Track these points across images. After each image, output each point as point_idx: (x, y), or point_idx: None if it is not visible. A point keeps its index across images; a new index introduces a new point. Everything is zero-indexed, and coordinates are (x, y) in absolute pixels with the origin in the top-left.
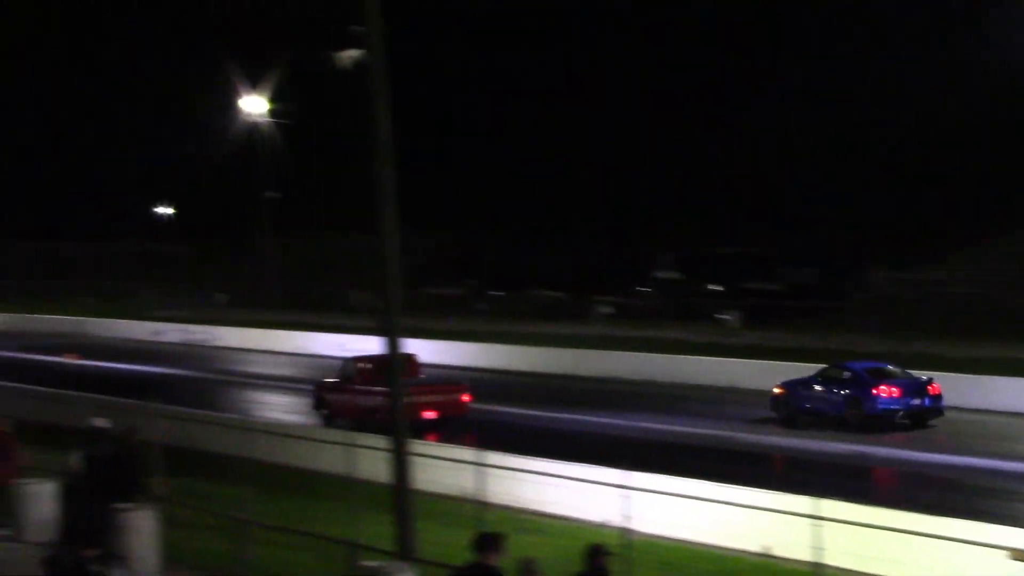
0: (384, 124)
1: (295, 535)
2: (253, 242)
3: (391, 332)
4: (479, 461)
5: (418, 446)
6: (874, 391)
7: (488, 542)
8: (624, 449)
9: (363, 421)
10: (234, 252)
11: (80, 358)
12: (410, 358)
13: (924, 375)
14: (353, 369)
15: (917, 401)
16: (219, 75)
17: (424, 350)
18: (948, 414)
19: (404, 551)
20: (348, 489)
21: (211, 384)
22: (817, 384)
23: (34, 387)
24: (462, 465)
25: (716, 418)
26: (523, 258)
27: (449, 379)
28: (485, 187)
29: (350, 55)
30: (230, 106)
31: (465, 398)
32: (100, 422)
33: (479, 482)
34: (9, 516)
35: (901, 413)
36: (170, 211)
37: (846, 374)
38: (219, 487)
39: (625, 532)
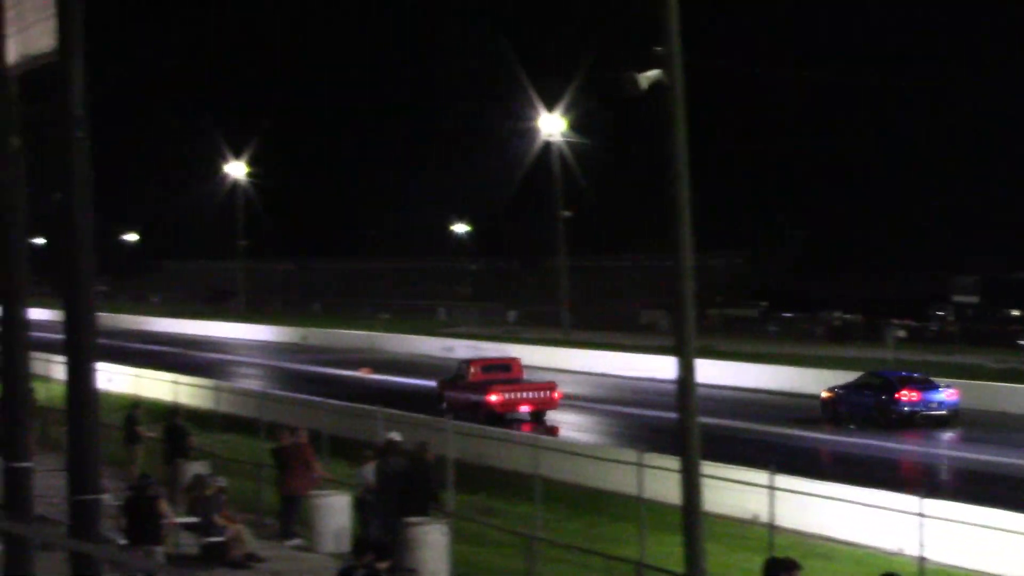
0: (681, 145)
1: (583, 553)
2: (545, 260)
3: (684, 353)
4: (770, 484)
5: (708, 467)
6: (897, 395)
7: (780, 567)
8: (920, 475)
9: (471, 412)
10: (527, 270)
11: (373, 372)
12: (515, 361)
13: (944, 382)
14: (464, 370)
15: (935, 404)
16: (518, 94)
17: (714, 371)
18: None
19: (693, 573)
20: (636, 509)
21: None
22: (856, 389)
23: (331, 400)
24: (752, 487)
25: (1017, 446)
26: (816, 280)
27: (543, 380)
28: (775, 207)
29: (649, 76)
30: (528, 125)
31: (555, 396)
32: (394, 436)
33: (769, 505)
34: (305, 527)
35: (920, 414)
36: (467, 229)
37: (878, 381)
38: (508, 503)
39: (920, 561)
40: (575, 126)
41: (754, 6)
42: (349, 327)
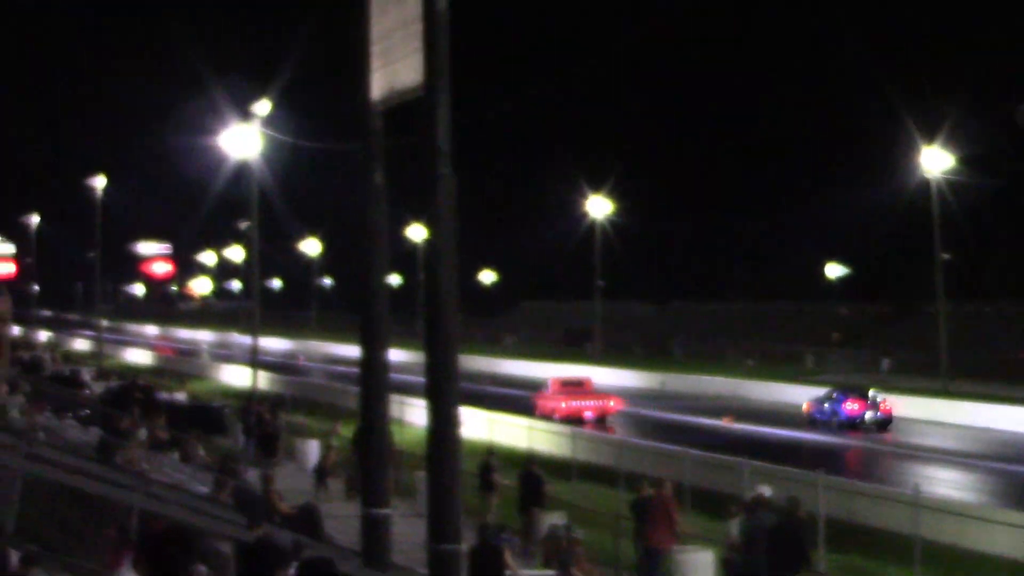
0: None
1: None
2: (922, 305)
3: None
4: None
5: None
6: (841, 406)
7: None
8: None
9: (550, 417)
10: (902, 315)
11: (736, 421)
12: (587, 380)
13: (881, 396)
14: (548, 385)
15: (871, 413)
16: (895, 127)
17: None
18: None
19: None
20: None
21: (874, 454)
22: (823, 401)
23: (692, 450)
24: None
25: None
26: None
27: (605, 392)
28: None
29: None
30: (907, 159)
31: (612, 406)
32: (764, 491)
33: None
34: None
35: (859, 421)
36: (844, 271)
37: (835, 394)
38: (883, 566)
39: None
40: (963, 162)
41: None
42: (711, 373)
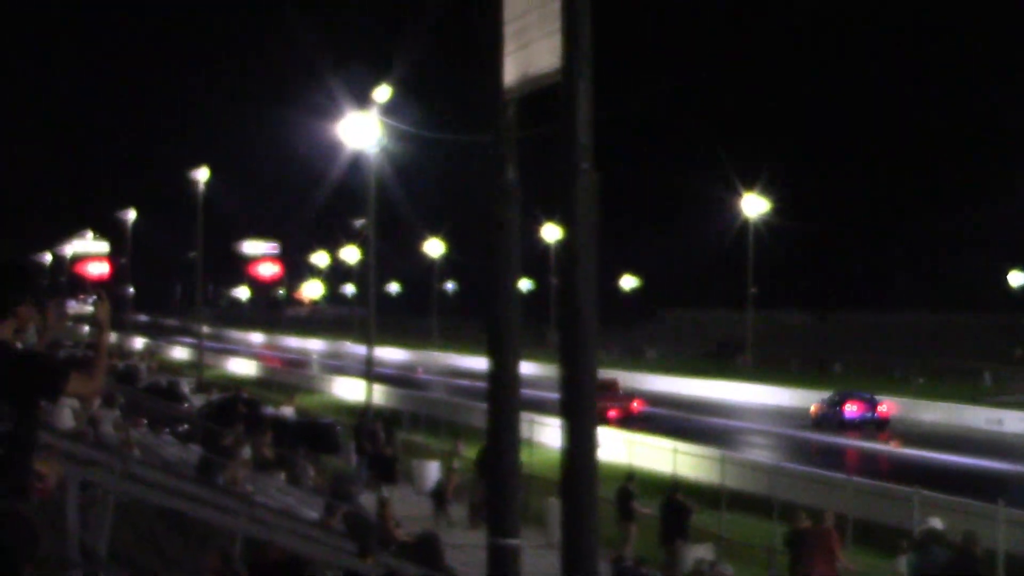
0: None
1: None
2: None
3: None
4: None
5: None
6: (842, 408)
7: None
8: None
9: None
10: None
11: (900, 445)
12: (614, 381)
13: (880, 398)
14: None
15: (869, 415)
16: None
17: None
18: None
19: None
20: None
21: None
22: (828, 404)
23: (856, 478)
24: None
25: None
26: None
27: (629, 393)
28: None
29: None
30: None
31: (635, 406)
32: (936, 524)
33: None
34: None
35: (858, 422)
36: None
37: (837, 398)
38: None
39: None
40: None
41: None
42: (876, 391)
